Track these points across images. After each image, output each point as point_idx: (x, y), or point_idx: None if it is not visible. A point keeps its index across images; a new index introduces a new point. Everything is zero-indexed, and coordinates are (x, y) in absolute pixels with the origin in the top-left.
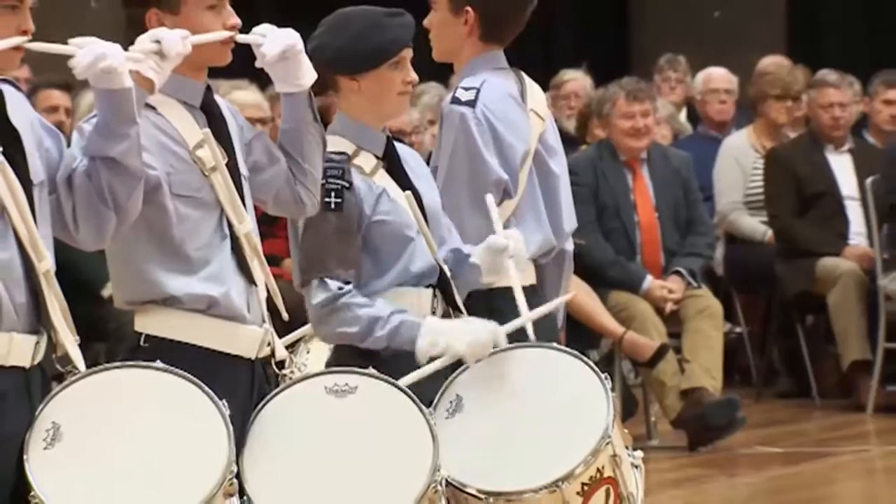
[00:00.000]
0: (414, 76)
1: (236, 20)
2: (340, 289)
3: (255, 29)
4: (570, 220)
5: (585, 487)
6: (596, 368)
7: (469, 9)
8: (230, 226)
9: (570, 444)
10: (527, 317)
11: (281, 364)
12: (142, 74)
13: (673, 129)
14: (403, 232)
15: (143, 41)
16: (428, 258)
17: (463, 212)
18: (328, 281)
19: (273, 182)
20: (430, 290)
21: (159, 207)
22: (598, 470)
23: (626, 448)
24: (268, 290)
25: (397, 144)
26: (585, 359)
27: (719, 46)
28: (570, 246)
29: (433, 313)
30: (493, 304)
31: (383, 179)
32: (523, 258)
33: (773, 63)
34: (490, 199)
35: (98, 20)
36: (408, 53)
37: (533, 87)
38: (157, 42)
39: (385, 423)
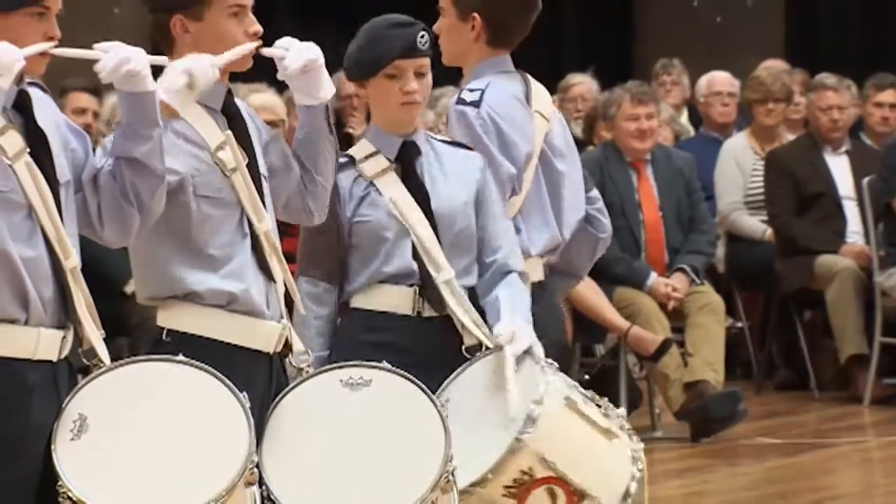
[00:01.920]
0: (412, 87)
1: (258, 27)
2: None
3: (277, 42)
4: (578, 211)
5: (512, 490)
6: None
7: (475, 15)
8: (250, 224)
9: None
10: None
11: (298, 357)
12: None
13: (674, 131)
14: (380, 233)
15: (175, 75)
16: (405, 260)
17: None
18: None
19: (284, 187)
20: (411, 290)
21: (182, 207)
22: (522, 472)
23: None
24: (286, 287)
25: (440, 144)
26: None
27: (721, 51)
28: (604, 234)
29: (417, 314)
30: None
31: (388, 182)
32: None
33: (764, 68)
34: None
35: (122, 25)
36: (406, 64)
37: (538, 89)
38: (189, 75)
39: (398, 415)
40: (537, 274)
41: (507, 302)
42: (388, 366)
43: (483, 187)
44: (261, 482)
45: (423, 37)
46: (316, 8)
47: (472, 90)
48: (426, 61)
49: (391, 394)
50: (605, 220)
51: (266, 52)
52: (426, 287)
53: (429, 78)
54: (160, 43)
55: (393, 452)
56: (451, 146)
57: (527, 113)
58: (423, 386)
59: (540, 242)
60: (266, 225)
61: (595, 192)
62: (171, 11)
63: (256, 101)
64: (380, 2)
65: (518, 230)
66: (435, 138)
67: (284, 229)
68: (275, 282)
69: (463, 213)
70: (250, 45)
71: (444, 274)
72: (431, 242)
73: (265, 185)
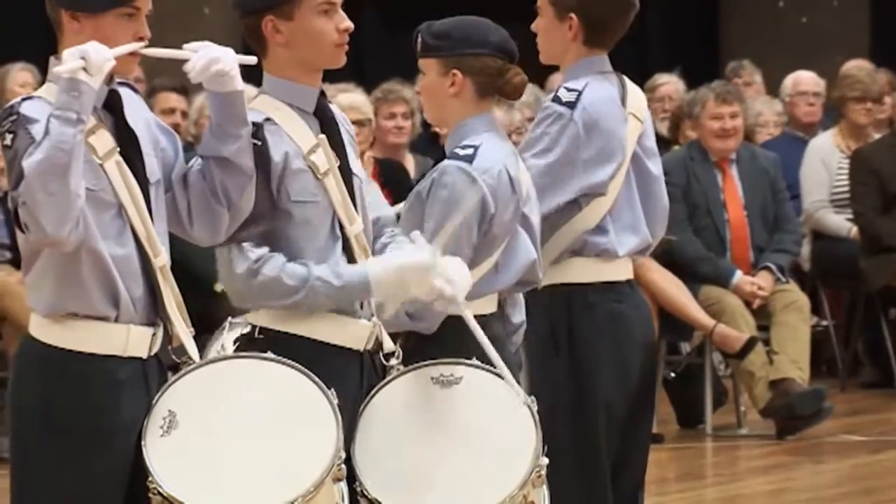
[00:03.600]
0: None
1: (349, 23)
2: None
3: (188, 45)
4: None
5: None
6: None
7: (573, 15)
8: (341, 227)
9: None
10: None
11: (388, 356)
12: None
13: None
14: None
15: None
16: None
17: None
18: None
19: None
20: None
21: (280, 214)
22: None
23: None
24: None
25: None
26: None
27: (806, 51)
28: None
29: None
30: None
31: None
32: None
33: (855, 66)
34: (417, 235)
35: (211, 25)
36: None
37: (633, 90)
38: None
39: (489, 412)
40: (625, 273)
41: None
42: (478, 362)
43: None
44: (354, 478)
45: (416, 38)
46: (400, 5)
47: (569, 90)
48: (422, 62)
49: (481, 390)
50: None
51: (169, 53)
52: None
53: (426, 79)
54: (253, 47)
55: (484, 448)
56: None
57: (621, 115)
58: (514, 382)
59: (628, 244)
60: (357, 227)
61: None
62: (261, 13)
63: (343, 101)
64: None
65: (605, 231)
66: None
67: None
68: None
69: None
70: (136, 45)
71: None
72: None
73: (357, 186)
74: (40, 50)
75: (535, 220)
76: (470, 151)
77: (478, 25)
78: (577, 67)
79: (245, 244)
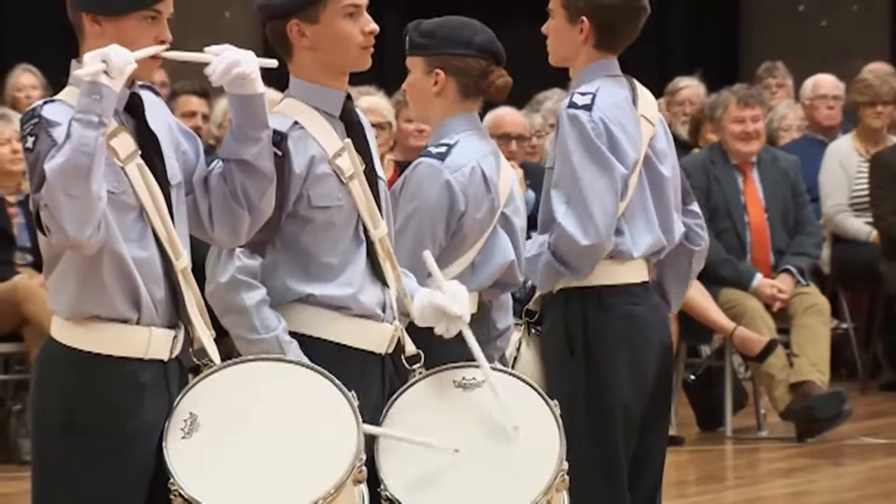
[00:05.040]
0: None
1: (374, 26)
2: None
3: (209, 48)
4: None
5: None
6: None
7: (584, 18)
8: (365, 231)
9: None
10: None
11: (411, 359)
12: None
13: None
14: None
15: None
16: None
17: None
18: None
19: None
20: None
21: (303, 219)
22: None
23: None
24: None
25: None
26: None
27: (826, 54)
28: (699, 246)
29: None
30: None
31: None
32: (467, 316)
33: (870, 71)
34: (428, 255)
35: (233, 28)
36: None
37: (644, 93)
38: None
39: (511, 415)
40: (641, 275)
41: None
42: (500, 366)
43: None
44: (377, 481)
45: (405, 36)
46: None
47: (583, 94)
48: (408, 60)
49: (504, 394)
50: (703, 234)
51: (191, 56)
52: None
53: (411, 77)
54: (278, 51)
55: (507, 451)
56: None
57: (634, 118)
58: (535, 385)
59: (643, 245)
60: (381, 231)
61: (696, 206)
62: (286, 17)
63: (364, 104)
64: None
65: (621, 233)
66: None
67: None
68: (388, 286)
69: None
70: (157, 48)
71: None
72: None
73: (382, 190)
74: (56, 53)
75: (518, 221)
76: (443, 149)
77: (464, 26)
78: (588, 71)
79: (238, 251)
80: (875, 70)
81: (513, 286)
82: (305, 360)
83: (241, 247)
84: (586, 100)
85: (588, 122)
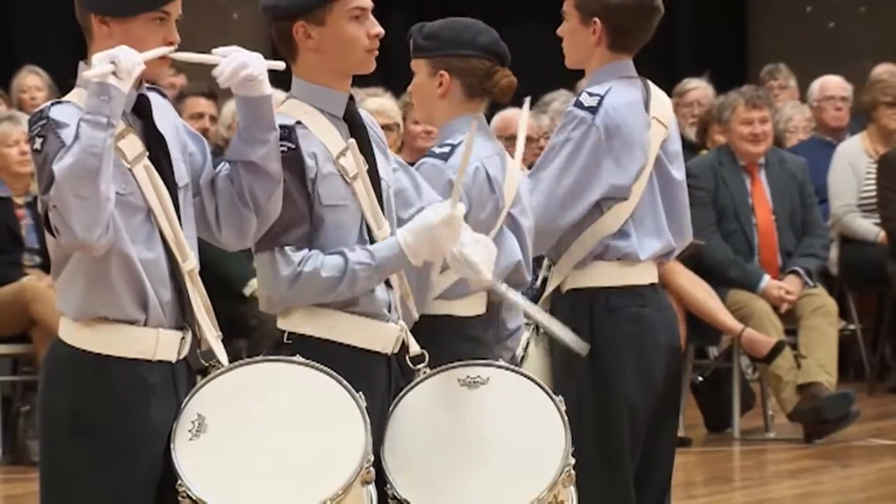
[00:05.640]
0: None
1: (379, 29)
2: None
3: (217, 50)
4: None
5: None
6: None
7: (597, 20)
8: (369, 231)
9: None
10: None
11: (415, 359)
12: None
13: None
14: None
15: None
16: None
17: (551, 206)
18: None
19: None
20: None
21: (318, 218)
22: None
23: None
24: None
25: None
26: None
27: (833, 56)
28: None
29: None
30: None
31: None
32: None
33: (886, 71)
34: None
35: (241, 30)
36: None
37: (658, 94)
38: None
39: (517, 412)
40: (649, 277)
41: None
42: (506, 364)
43: None
44: (384, 480)
45: (409, 38)
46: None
47: (591, 94)
48: (413, 62)
49: (509, 391)
50: None
51: (198, 58)
52: None
53: (415, 79)
54: (283, 52)
55: (513, 448)
56: None
57: (644, 120)
58: (541, 382)
59: (650, 248)
60: (385, 231)
61: None
62: (292, 19)
63: (371, 106)
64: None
65: (627, 235)
66: None
67: None
68: (391, 287)
69: None
70: (165, 49)
71: None
72: None
73: (386, 190)
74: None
75: (525, 222)
76: (447, 150)
77: (467, 27)
78: (601, 72)
79: (287, 248)
80: (891, 71)
81: (521, 286)
82: (381, 248)
83: (287, 244)
84: (593, 101)
85: (591, 127)
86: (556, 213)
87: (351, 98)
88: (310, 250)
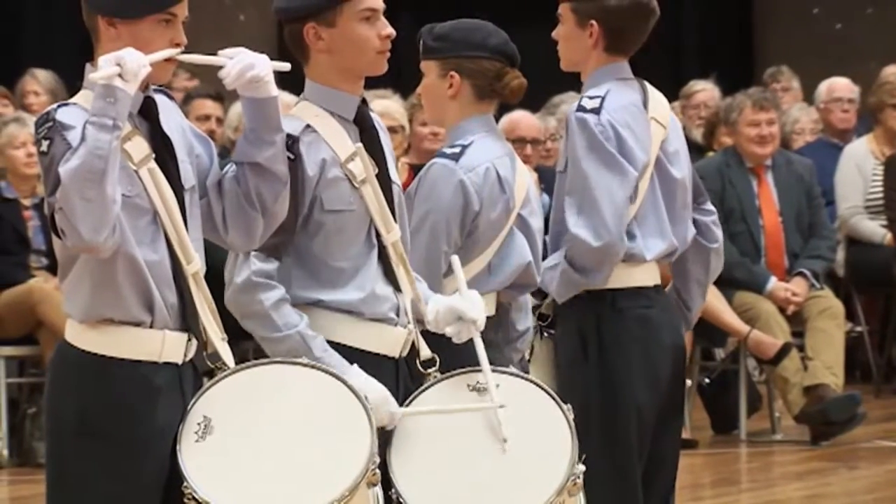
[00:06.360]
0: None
1: (390, 30)
2: None
3: (223, 51)
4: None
5: None
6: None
7: (593, 22)
8: (377, 235)
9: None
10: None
11: (426, 363)
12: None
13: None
14: None
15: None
16: None
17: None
18: None
19: None
20: None
21: (316, 223)
22: None
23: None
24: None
25: None
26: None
27: (840, 57)
28: (714, 244)
29: None
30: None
31: None
32: (481, 323)
33: (894, 73)
34: (456, 260)
35: (247, 32)
36: None
37: (656, 95)
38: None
39: (525, 419)
40: (654, 278)
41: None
42: (514, 370)
43: None
44: (390, 484)
45: (419, 40)
46: (437, 11)
47: (591, 97)
48: (423, 64)
49: (517, 397)
50: (717, 231)
51: (205, 59)
52: None
53: (425, 81)
54: (294, 54)
55: (520, 454)
56: None
57: (644, 121)
58: (549, 388)
59: (655, 248)
60: (395, 235)
61: (709, 205)
62: (303, 20)
63: (377, 108)
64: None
65: (633, 236)
66: None
67: None
68: (401, 291)
69: None
70: (172, 51)
71: None
72: None
73: (396, 194)
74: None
75: (535, 223)
76: (457, 150)
77: (477, 28)
78: (598, 75)
79: (253, 254)
80: None
81: (530, 287)
82: (331, 353)
83: (255, 251)
84: (595, 103)
85: (596, 126)
86: (611, 219)
87: (363, 101)
88: (285, 260)
